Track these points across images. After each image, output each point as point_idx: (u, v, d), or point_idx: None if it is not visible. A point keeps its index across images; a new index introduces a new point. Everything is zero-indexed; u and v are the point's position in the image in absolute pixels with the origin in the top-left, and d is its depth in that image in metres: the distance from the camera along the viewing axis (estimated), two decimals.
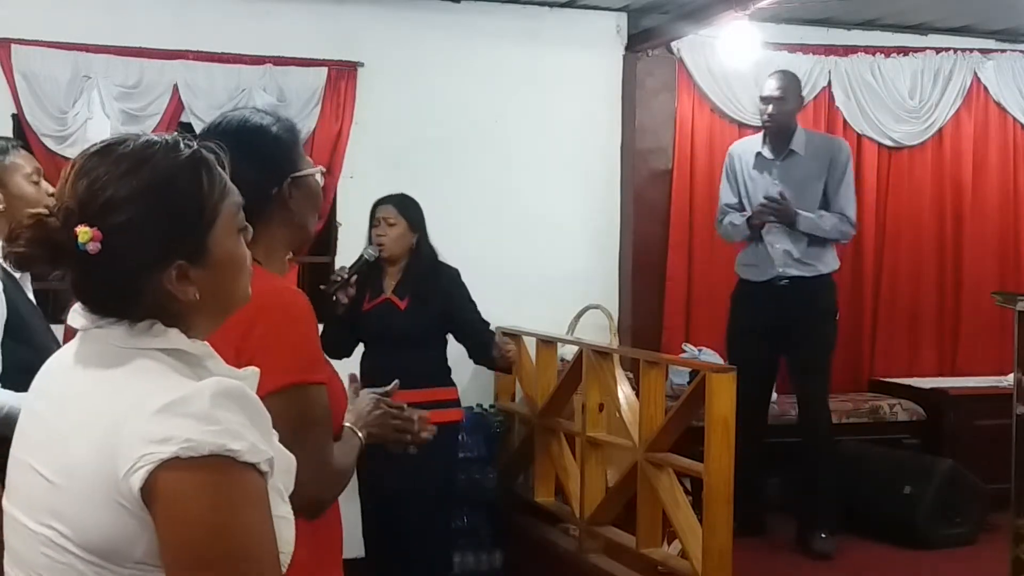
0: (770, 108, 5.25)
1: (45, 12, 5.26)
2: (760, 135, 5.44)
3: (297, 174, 2.05)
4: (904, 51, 6.44)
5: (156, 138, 1.42)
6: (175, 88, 5.38)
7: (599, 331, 5.74)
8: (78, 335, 1.45)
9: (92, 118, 5.26)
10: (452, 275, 4.60)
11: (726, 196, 5.45)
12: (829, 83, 6.31)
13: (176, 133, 1.46)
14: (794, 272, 5.25)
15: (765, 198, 5.20)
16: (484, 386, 5.65)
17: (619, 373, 4.81)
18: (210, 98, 5.41)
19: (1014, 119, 6.60)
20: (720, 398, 4.10)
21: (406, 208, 4.55)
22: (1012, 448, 3.93)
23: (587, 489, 4.82)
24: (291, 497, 1.80)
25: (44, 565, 1.34)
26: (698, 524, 4.21)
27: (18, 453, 1.43)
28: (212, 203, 1.41)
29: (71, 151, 5.21)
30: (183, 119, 5.41)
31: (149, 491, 1.26)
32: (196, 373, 1.38)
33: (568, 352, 5.31)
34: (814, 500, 5.27)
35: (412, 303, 4.50)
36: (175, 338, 1.39)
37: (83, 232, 1.32)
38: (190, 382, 1.33)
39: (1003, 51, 6.60)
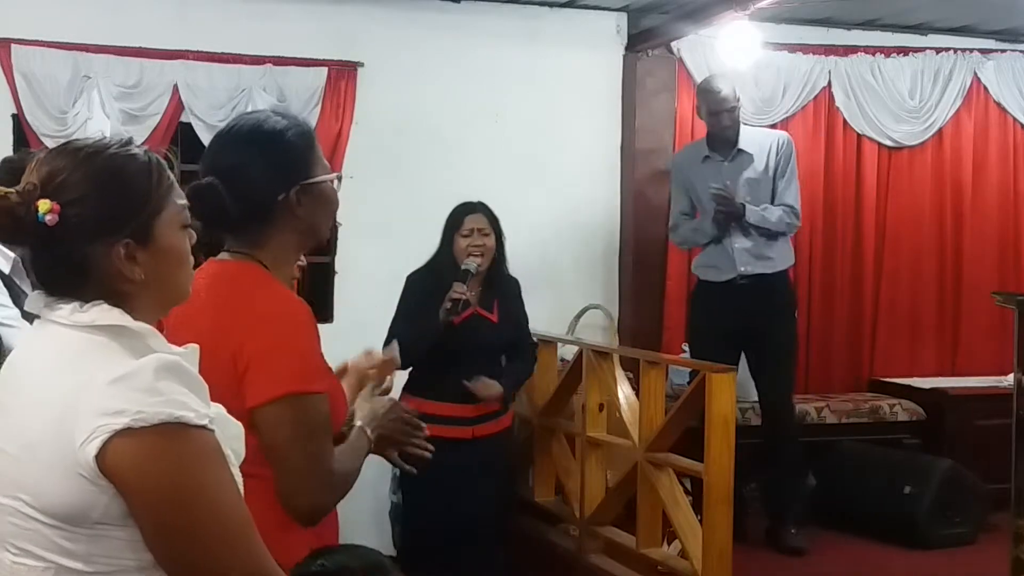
0: (730, 115, 5.26)
1: (45, 12, 5.26)
2: (702, 141, 5.47)
3: (307, 181, 2.03)
4: (904, 51, 6.43)
5: (111, 138, 1.58)
6: (175, 88, 5.38)
7: (599, 331, 5.74)
8: (32, 329, 1.58)
9: (92, 118, 5.25)
10: (517, 287, 4.66)
11: (679, 204, 5.48)
12: (829, 83, 6.31)
13: (126, 138, 1.60)
14: (755, 270, 5.25)
15: (712, 195, 5.18)
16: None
17: (619, 373, 4.81)
18: (210, 98, 5.41)
19: (1014, 119, 6.59)
20: (720, 398, 4.10)
21: (493, 216, 4.52)
22: (1012, 448, 3.93)
23: (587, 489, 4.82)
24: (291, 504, 1.88)
25: (12, 533, 1.47)
26: (698, 524, 4.21)
27: None
28: (159, 193, 1.55)
29: None
30: (183, 119, 5.41)
31: (104, 459, 1.38)
32: (139, 350, 1.47)
33: (568, 352, 5.31)
34: (781, 497, 5.29)
35: (501, 316, 4.52)
36: (119, 316, 1.50)
37: (43, 203, 1.46)
38: (133, 359, 1.44)
39: (1003, 51, 6.59)
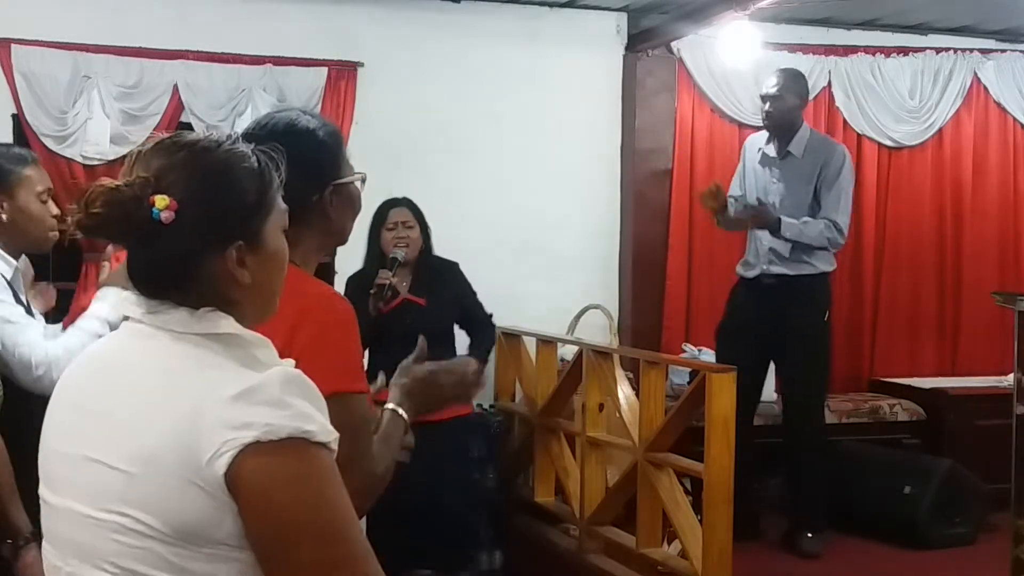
0: (767, 106, 5.21)
1: (45, 12, 5.26)
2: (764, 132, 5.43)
3: (339, 181, 2.02)
4: (904, 51, 6.44)
5: (220, 135, 1.51)
6: (175, 88, 5.38)
7: (599, 331, 5.74)
8: (122, 327, 1.50)
9: (92, 118, 5.26)
10: (456, 269, 4.82)
11: (733, 187, 5.43)
12: (829, 83, 6.31)
13: (234, 135, 1.54)
14: (779, 270, 5.21)
15: (745, 206, 5.19)
16: (484, 386, 5.64)
17: (619, 373, 4.81)
18: (210, 98, 5.41)
19: (1014, 119, 6.60)
20: (720, 398, 4.10)
21: (417, 210, 4.72)
22: (1012, 448, 3.93)
23: (587, 489, 4.82)
24: None
25: (115, 552, 1.38)
26: (698, 524, 4.21)
27: (63, 447, 1.46)
28: (269, 195, 1.50)
29: (71, 151, 5.22)
30: (183, 119, 5.42)
31: (233, 475, 1.32)
32: (249, 361, 1.42)
33: (568, 352, 5.31)
34: (800, 501, 5.28)
35: (431, 301, 4.63)
36: (233, 325, 1.44)
37: (160, 199, 1.38)
38: (255, 372, 1.39)
39: (1003, 51, 6.60)
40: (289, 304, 1.85)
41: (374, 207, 4.77)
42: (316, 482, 1.36)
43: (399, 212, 4.69)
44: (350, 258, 5.40)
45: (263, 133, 2.01)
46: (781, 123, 5.23)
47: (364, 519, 1.96)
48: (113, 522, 1.37)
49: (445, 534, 4.50)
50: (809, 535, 5.18)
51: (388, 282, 4.46)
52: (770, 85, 5.23)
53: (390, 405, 2.05)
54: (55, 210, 2.96)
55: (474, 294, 4.85)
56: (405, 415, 2.06)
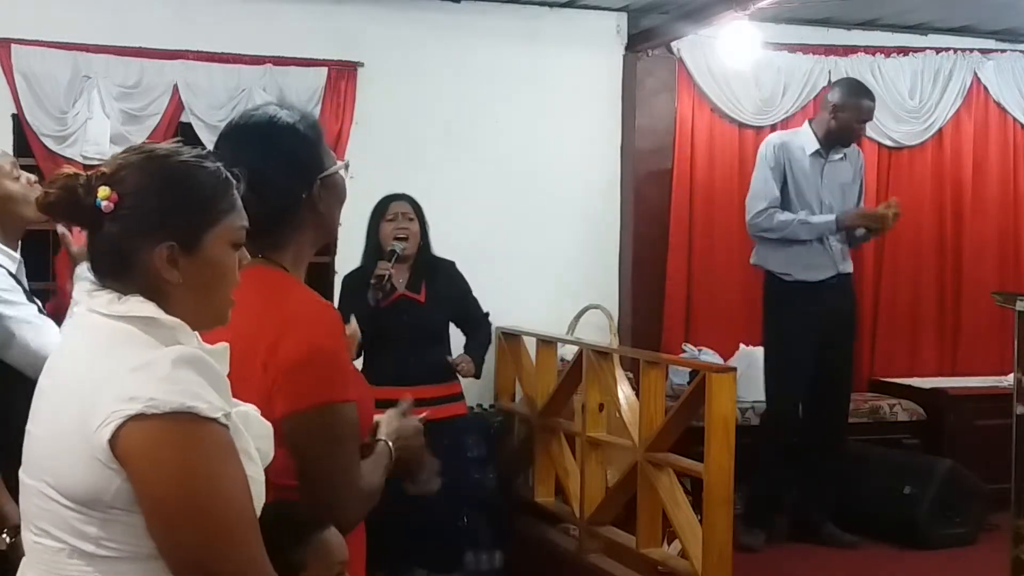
0: (862, 128, 5.36)
1: (45, 12, 5.26)
2: (801, 131, 5.36)
3: (324, 174, 1.98)
4: (904, 51, 6.44)
5: (189, 147, 1.62)
6: (175, 88, 5.38)
7: (599, 331, 5.74)
8: (75, 317, 1.61)
9: (92, 118, 5.25)
10: (453, 268, 4.81)
11: (771, 191, 5.21)
12: (829, 83, 6.30)
13: (205, 150, 1.65)
14: (846, 269, 5.31)
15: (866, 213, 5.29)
16: (484, 386, 5.64)
17: (619, 373, 4.81)
18: (210, 98, 5.41)
19: (1014, 119, 6.59)
20: (720, 398, 4.09)
21: (417, 205, 4.71)
22: (1012, 448, 3.93)
23: (587, 489, 4.81)
24: (321, 516, 1.79)
25: (36, 514, 1.52)
26: (698, 524, 4.21)
27: (29, 426, 1.59)
28: (217, 208, 1.59)
29: (71, 151, 5.22)
30: (183, 119, 5.41)
31: (117, 443, 1.42)
32: (169, 343, 1.51)
33: (568, 352, 5.31)
34: (826, 496, 5.35)
35: (429, 298, 4.63)
36: (153, 309, 1.54)
37: (103, 190, 1.53)
38: (158, 350, 1.48)
39: (1003, 51, 6.60)
40: (276, 312, 1.86)
41: (373, 205, 4.77)
42: (198, 453, 1.43)
43: (399, 205, 4.68)
44: (350, 258, 5.41)
45: (242, 134, 1.99)
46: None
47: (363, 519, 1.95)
48: (34, 487, 1.52)
49: (440, 534, 4.49)
50: (829, 524, 5.27)
51: (388, 273, 4.45)
52: (869, 108, 5.28)
53: (382, 438, 2.01)
54: (32, 176, 2.95)
55: (471, 292, 4.85)
56: (393, 454, 2.01)
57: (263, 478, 1.56)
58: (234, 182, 1.62)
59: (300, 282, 1.97)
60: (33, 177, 2.97)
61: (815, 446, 5.27)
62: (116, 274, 1.56)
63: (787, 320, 5.23)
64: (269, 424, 1.63)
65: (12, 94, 5.21)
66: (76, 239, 2.89)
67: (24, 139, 5.22)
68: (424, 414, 2.18)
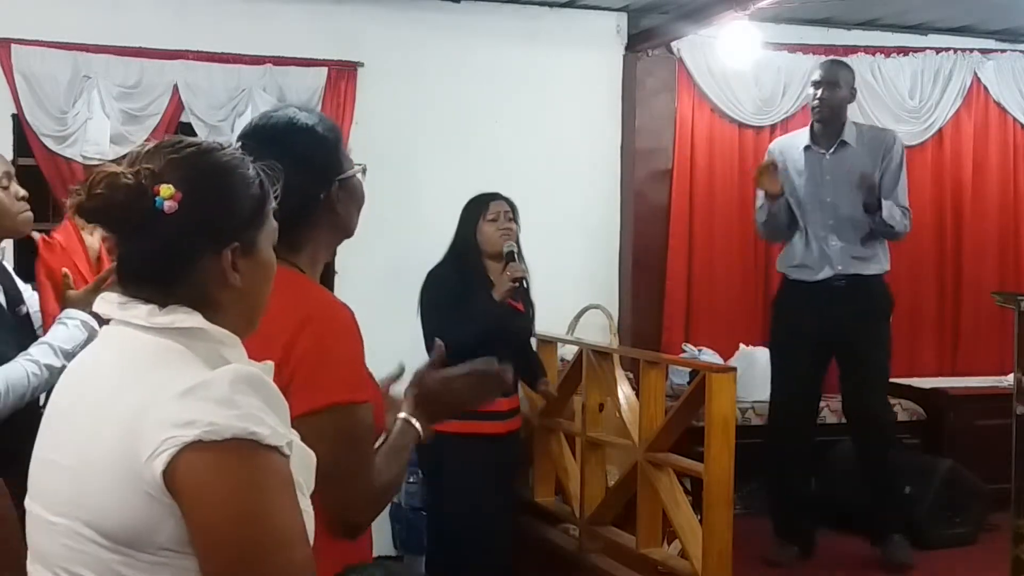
0: (820, 92, 4.98)
1: (45, 12, 5.26)
2: (804, 130, 5.20)
3: (343, 176, 2.00)
4: (904, 51, 6.43)
5: (222, 141, 1.52)
6: (175, 88, 5.38)
7: (599, 331, 5.74)
8: (101, 333, 1.48)
9: (92, 118, 5.25)
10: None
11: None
12: None
13: (235, 143, 1.56)
14: (853, 269, 5.03)
15: (861, 176, 4.87)
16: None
17: (619, 373, 4.81)
18: (210, 98, 5.41)
19: (1014, 119, 6.59)
20: (720, 398, 4.09)
21: (514, 205, 4.49)
22: (1012, 448, 3.93)
23: (587, 489, 4.82)
24: (331, 518, 1.75)
25: (64, 556, 1.34)
26: (698, 524, 4.21)
27: (43, 453, 1.43)
28: (266, 205, 1.49)
29: (71, 151, 5.22)
30: (183, 119, 5.41)
31: (172, 475, 1.27)
32: (214, 359, 1.38)
33: (568, 352, 5.31)
34: (885, 502, 5.04)
35: (524, 304, 4.49)
36: (199, 320, 1.40)
37: (166, 188, 1.36)
38: (209, 369, 1.34)
39: (1003, 51, 6.60)
40: (292, 312, 1.84)
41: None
42: (257, 490, 1.29)
43: (500, 204, 4.42)
44: (350, 258, 5.42)
45: (261, 135, 1.99)
46: (833, 113, 5.01)
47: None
48: (63, 525, 1.35)
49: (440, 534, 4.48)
50: (896, 538, 4.99)
51: (525, 275, 4.28)
52: (822, 72, 5.01)
53: (402, 415, 1.99)
54: (21, 192, 2.86)
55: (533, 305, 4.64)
56: (418, 425, 1.97)
57: (312, 511, 1.43)
58: (267, 180, 1.52)
59: (314, 283, 1.97)
60: (23, 192, 2.86)
61: (861, 457, 5.12)
62: (161, 282, 1.40)
63: (782, 321, 5.21)
64: (313, 454, 1.48)
65: (12, 94, 5.21)
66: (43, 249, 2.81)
67: (24, 139, 5.22)
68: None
